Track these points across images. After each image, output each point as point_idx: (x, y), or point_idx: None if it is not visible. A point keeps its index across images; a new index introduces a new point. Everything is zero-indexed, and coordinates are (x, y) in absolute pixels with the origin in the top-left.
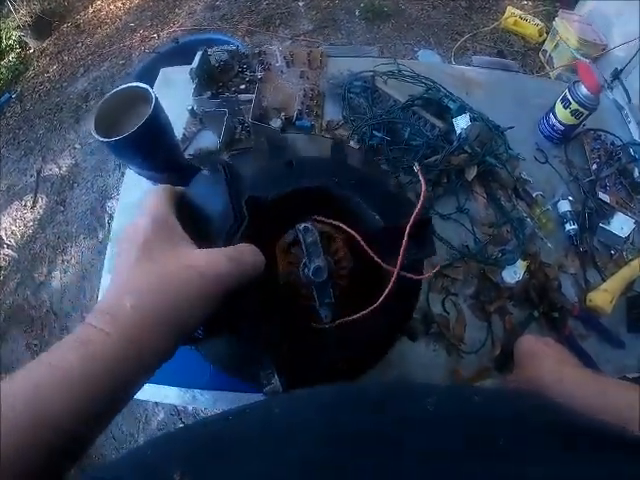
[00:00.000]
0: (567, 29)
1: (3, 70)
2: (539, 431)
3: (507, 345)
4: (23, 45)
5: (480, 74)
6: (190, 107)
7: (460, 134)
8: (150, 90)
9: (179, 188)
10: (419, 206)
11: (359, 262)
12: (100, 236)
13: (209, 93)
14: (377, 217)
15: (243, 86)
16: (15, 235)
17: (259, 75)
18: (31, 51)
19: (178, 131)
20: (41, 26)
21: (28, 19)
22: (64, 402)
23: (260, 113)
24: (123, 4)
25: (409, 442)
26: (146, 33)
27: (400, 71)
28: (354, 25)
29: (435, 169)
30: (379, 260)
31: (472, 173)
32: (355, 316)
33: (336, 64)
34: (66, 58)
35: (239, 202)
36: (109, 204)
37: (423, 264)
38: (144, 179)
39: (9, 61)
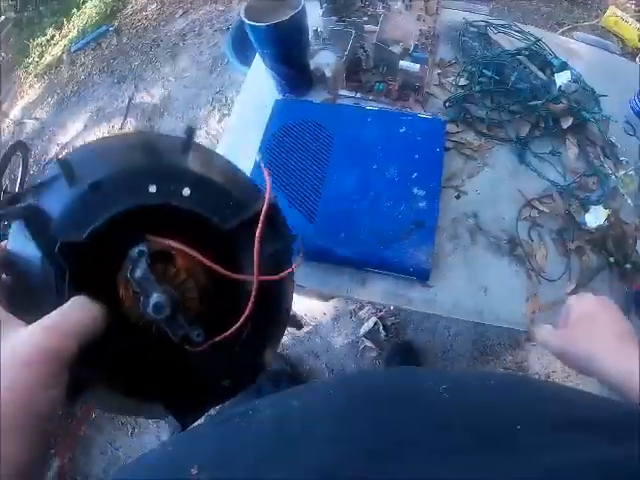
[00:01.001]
0: None
1: (102, 5)
2: (556, 419)
3: (582, 282)
4: None
5: (582, 47)
6: (315, 28)
7: (560, 86)
8: None
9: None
10: (265, 207)
11: (211, 275)
12: None
13: (335, 18)
14: (216, 221)
15: (366, 18)
16: None
17: (380, 12)
18: None
19: None
20: None
21: None
22: None
23: (382, 39)
24: None
25: (426, 439)
26: None
27: (511, 26)
28: None
29: (536, 112)
30: (228, 273)
31: (568, 122)
32: (223, 335)
33: (449, 13)
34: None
35: (53, 252)
36: (197, 134)
37: (286, 253)
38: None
39: None
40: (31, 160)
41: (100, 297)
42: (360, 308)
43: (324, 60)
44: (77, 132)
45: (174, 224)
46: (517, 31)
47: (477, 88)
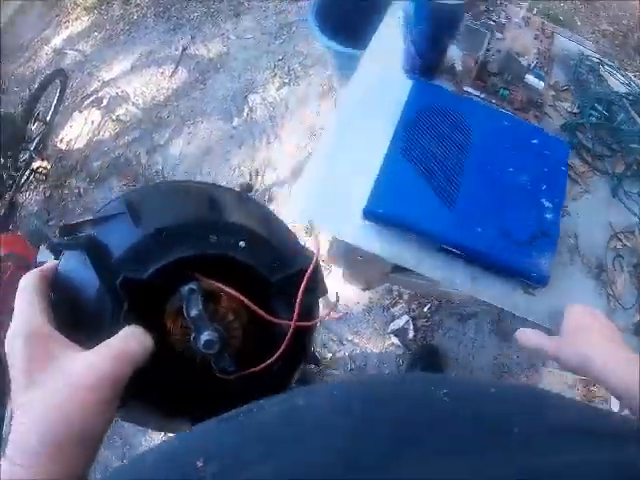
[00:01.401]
0: None
1: None
2: (556, 425)
3: None
4: None
5: None
6: None
7: None
8: None
9: (50, 266)
10: (312, 267)
11: (252, 315)
12: (235, 123)
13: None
14: (264, 273)
15: (492, 23)
16: (144, 96)
17: (503, 21)
18: None
19: None
20: None
21: None
22: None
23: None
24: None
25: (429, 438)
26: None
27: (625, 70)
28: None
29: (632, 154)
30: (272, 319)
31: None
32: (257, 368)
33: (561, 40)
34: None
35: (113, 284)
36: (252, 97)
37: (317, 304)
38: None
39: None
40: (68, 91)
41: (148, 327)
42: (394, 304)
43: (452, 53)
44: (123, 71)
45: (222, 269)
46: (624, 76)
47: (588, 120)
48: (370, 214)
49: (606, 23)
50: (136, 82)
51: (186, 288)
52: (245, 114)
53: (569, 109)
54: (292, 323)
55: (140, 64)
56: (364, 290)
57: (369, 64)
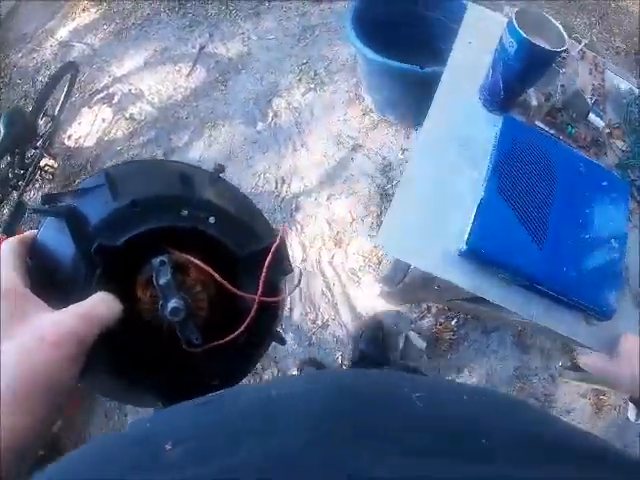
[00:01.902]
0: None
1: None
2: (524, 438)
3: None
4: None
5: None
6: None
7: None
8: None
9: (29, 235)
10: (276, 244)
11: (219, 288)
12: (259, 127)
13: None
14: (233, 247)
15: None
16: (160, 94)
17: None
18: None
19: None
20: None
21: None
22: None
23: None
24: None
25: (399, 437)
26: None
27: None
28: None
29: None
30: (237, 291)
31: None
32: (222, 341)
33: (612, 77)
34: None
35: (88, 250)
36: (276, 102)
37: (282, 281)
38: None
39: None
40: (75, 86)
41: (119, 295)
42: (422, 318)
43: None
44: (136, 67)
45: (192, 243)
46: None
47: (638, 161)
48: (471, 253)
49: (619, 40)
50: (150, 79)
51: (157, 260)
52: (269, 119)
53: (622, 147)
54: (257, 297)
55: (154, 61)
56: (399, 305)
57: (447, 94)
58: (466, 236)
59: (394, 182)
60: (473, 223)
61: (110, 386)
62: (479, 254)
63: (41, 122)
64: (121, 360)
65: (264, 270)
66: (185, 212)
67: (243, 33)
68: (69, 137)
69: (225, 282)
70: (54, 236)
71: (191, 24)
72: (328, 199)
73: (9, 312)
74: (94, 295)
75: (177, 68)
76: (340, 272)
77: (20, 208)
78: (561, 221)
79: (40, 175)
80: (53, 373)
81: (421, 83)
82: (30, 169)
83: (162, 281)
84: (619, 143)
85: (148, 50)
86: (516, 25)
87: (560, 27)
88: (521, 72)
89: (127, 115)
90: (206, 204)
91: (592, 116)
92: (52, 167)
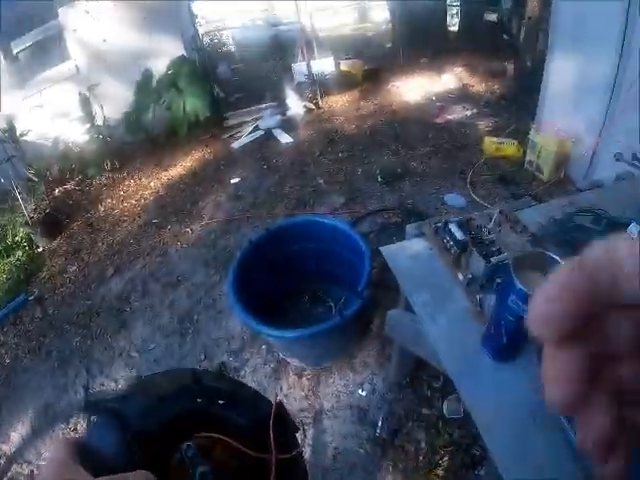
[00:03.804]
0: (544, 137)
1: (13, 269)
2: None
3: None
4: (30, 244)
5: None
6: None
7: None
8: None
9: (79, 439)
10: (274, 409)
11: (242, 456)
12: None
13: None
14: (243, 421)
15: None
16: None
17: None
18: (40, 250)
19: None
20: (50, 224)
21: (37, 216)
22: None
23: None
24: (137, 202)
25: None
26: (176, 228)
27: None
28: (377, 189)
29: None
30: (255, 454)
31: None
32: None
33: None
34: (86, 257)
35: (128, 442)
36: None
37: (292, 437)
38: None
39: (18, 260)
40: None
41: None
42: None
43: None
44: (21, 438)
45: (209, 422)
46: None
47: None
48: None
49: None
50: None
51: (185, 444)
52: None
53: None
54: (273, 456)
55: (41, 423)
56: None
57: (448, 346)
58: None
59: None
60: None
61: None
62: None
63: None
64: None
65: (271, 430)
66: (200, 399)
67: (121, 354)
68: None
69: (242, 447)
70: (100, 435)
71: (60, 364)
72: None
73: None
74: (136, 471)
75: (71, 426)
76: None
77: None
78: None
79: None
80: None
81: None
82: None
83: (189, 453)
84: None
85: (26, 412)
86: (520, 285)
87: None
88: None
89: None
90: (214, 392)
91: None
92: None
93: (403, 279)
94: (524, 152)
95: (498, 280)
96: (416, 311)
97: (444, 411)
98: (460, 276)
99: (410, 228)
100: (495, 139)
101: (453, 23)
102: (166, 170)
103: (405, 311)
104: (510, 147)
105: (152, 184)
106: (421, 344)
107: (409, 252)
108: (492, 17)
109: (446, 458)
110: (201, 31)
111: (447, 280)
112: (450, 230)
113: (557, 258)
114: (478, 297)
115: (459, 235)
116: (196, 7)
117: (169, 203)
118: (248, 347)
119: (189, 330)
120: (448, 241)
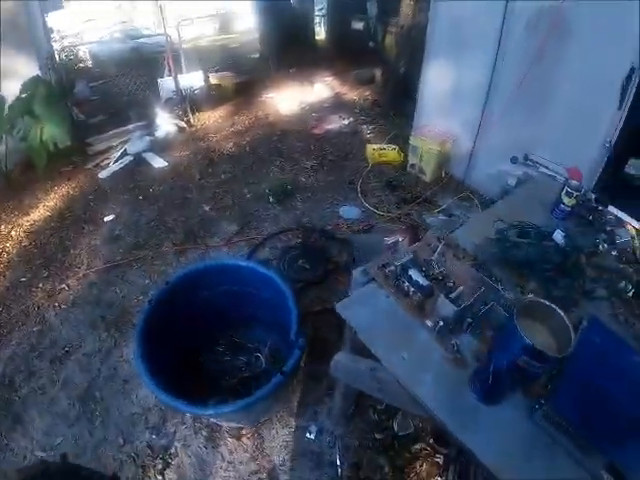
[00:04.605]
0: (424, 141)
1: None
2: None
3: None
4: None
5: None
6: None
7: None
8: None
9: None
10: None
11: None
12: None
13: None
14: None
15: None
16: None
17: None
18: None
19: None
20: None
21: None
22: None
23: None
24: None
25: None
26: (48, 285)
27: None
28: (270, 210)
29: None
30: None
31: None
32: None
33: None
34: None
35: None
36: None
37: None
38: None
39: None
40: None
41: None
42: None
43: None
44: None
45: None
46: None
47: None
48: None
49: None
50: None
51: None
52: None
53: None
54: None
55: None
56: None
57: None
58: None
59: None
60: None
61: None
62: None
63: None
64: None
65: None
66: None
67: (25, 456)
68: None
69: None
70: None
71: None
72: None
73: None
74: None
75: None
76: None
77: None
78: None
79: None
80: None
81: None
82: None
83: None
84: None
85: None
86: (528, 340)
87: (564, 317)
88: (497, 389)
89: None
90: None
91: None
92: None
93: (370, 342)
94: (405, 156)
95: (469, 320)
96: (397, 373)
97: (395, 430)
98: (428, 323)
99: (357, 273)
100: (376, 146)
101: (320, 32)
102: (27, 214)
103: (351, 354)
104: (391, 152)
105: (13, 233)
106: (369, 384)
107: (367, 306)
108: (359, 25)
109: (413, 474)
110: (57, 47)
111: (414, 329)
112: (410, 276)
113: (554, 306)
114: (454, 343)
115: (422, 281)
116: (51, 20)
117: (36, 255)
118: (171, 418)
119: (95, 412)
120: (409, 287)
